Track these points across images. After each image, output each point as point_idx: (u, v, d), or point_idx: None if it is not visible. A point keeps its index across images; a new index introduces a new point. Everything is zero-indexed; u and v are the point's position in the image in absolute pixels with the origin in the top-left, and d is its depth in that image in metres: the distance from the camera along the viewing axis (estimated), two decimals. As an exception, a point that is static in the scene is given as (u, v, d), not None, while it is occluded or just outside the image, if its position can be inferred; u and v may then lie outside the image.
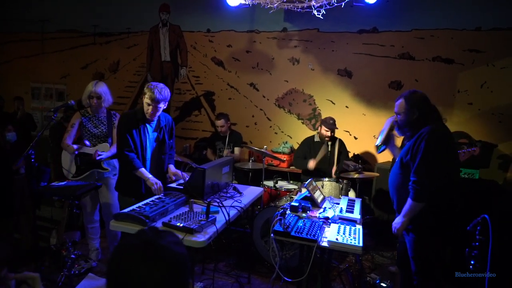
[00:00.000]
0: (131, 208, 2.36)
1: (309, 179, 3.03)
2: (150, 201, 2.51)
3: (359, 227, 2.49)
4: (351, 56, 4.98)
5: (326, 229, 2.45)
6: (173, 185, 2.95)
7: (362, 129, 5.03)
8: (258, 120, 5.55)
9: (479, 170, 3.95)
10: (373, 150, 4.99)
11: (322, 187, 3.90)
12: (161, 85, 2.89)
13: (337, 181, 3.95)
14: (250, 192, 3.14)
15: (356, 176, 3.96)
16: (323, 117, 4.71)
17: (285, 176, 5.00)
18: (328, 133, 4.25)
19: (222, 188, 3.04)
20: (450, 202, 2.37)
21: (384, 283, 3.25)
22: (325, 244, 2.24)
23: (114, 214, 2.31)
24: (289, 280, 2.41)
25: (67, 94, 6.72)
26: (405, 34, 4.70)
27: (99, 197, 3.51)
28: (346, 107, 5.08)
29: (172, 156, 3.26)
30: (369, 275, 3.45)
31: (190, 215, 2.32)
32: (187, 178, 2.81)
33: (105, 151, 3.38)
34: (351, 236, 2.28)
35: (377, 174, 4.35)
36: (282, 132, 5.46)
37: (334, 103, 5.14)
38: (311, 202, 2.82)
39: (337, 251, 3.31)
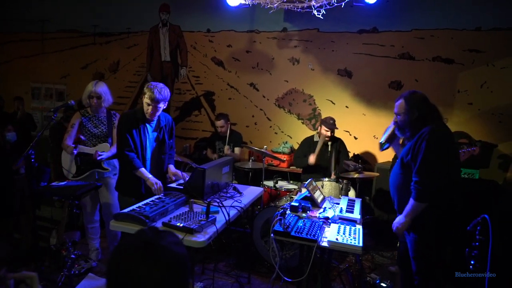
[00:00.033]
0: (131, 208, 2.36)
1: (309, 179, 3.03)
2: (150, 201, 2.51)
3: (359, 227, 2.49)
4: (351, 56, 4.98)
5: (326, 229, 2.45)
6: (173, 185, 2.95)
7: (362, 129, 5.03)
8: (258, 120, 5.55)
9: (479, 170, 3.95)
10: (373, 150, 4.99)
11: (322, 187, 3.90)
12: (161, 85, 2.89)
13: (337, 181, 3.95)
14: (250, 192, 3.14)
15: (356, 176, 3.96)
16: (323, 117, 4.71)
17: (285, 176, 5.00)
18: (328, 133, 4.25)
19: (222, 188, 3.04)
20: (451, 202, 2.38)
21: (384, 283, 3.25)
22: (325, 244, 2.24)
23: (114, 214, 2.31)
24: (289, 280, 2.41)
25: (67, 94, 6.72)
26: (405, 34, 4.70)
27: (99, 197, 3.51)
28: (346, 107, 5.08)
29: (172, 156, 3.26)
30: (369, 275, 3.45)
31: (190, 215, 2.32)
32: (187, 178, 2.81)
33: (105, 151, 3.38)
34: (351, 236, 2.28)
35: (377, 174, 4.35)
36: (282, 132, 5.46)
37: (334, 103, 5.14)
38: (311, 202, 2.82)
39: (337, 251, 3.31)
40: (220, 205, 2.57)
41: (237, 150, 4.71)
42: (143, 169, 2.89)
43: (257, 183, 4.23)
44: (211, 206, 2.37)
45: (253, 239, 3.62)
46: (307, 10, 3.58)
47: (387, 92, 4.84)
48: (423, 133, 2.32)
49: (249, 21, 5.38)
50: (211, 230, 2.20)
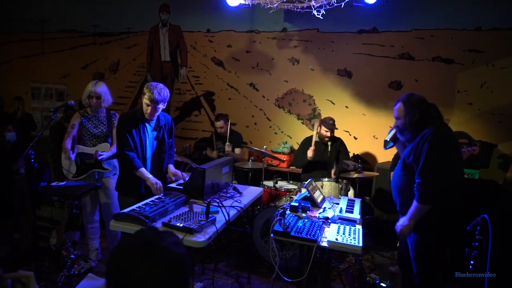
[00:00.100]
0: (131, 208, 2.36)
1: (309, 179, 3.03)
2: (150, 201, 2.51)
3: (359, 227, 2.48)
4: (351, 56, 4.98)
5: (326, 229, 2.45)
6: (173, 185, 2.95)
7: (362, 129, 5.03)
8: (258, 120, 5.55)
9: (479, 170, 3.95)
10: (373, 150, 4.99)
11: (322, 187, 3.90)
12: (161, 85, 2.89)
13: (336, 181, 3.95)
14: (250, 192, 3.14)
15: (356, 175, 3.96)
16: (322, 117, 4.71)
17: (285, 176, 5.00)
18: (328, 133, 4.25)
19: (222, 188, 3.04)
20: (451, 203, 2.37)
21: (384, 283, 3.25)
22: (325, 244, 2.24)
23: (114, 214, 2.31)
24: (289, 280, 2.41)
25: (67, 94, 6.72)
26: (405, 34, 4.70)
27: (99, 197, 3.51)
28: (346, 107, 5.08)
29: (172, 156, 3.26)
30: (369, 275, 3.45)
31: (190, 215, 2.32)
32: (187, 178, 2.81)
33: (106, 151, 3.39)
34: (351, 236, 2.28)
35: (377, 174, 4.35)
36: (282, 132, 5.46)
37: (334, 103, 5.14)
38: (311, 202, 2.82)
39: (337, 251, 3.31)
40: (220, 205, 2.57)
41: (237, 150, 4.71)
42: (143, 169, 2.89)
43: (257, 183, 4.23)
44: (211, 206, 2.37)
45: (253, 239, 3.63)
46: (307, 10, 3.58)
47: (387, 92, 4.84)
48: (425, 134, 2.32)
49: (249, 21, 5.39)
50: (211, 230, 2.20)
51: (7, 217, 3.65)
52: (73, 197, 3.14)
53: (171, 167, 3.16)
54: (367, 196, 4.64)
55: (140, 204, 2.44)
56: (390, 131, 2.76)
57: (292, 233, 2.27)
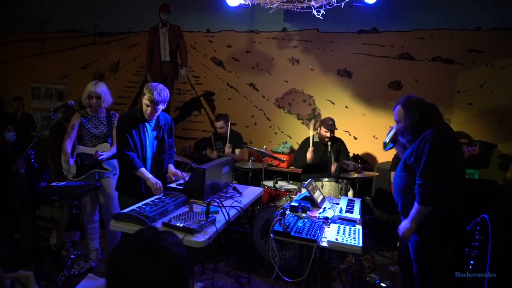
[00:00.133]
0: (131, 208, 2.36)
1: (309, 179, 3.03)
2: (150, 201, 2.51)
3: (358, 227, 2.49)
4: (350, 56, 4.98)
5: (326, 229, 2.45)
6: (173, 185, 2.95)
7: (362, 129, 5.03)
8: (258, 120, 5.55)
9: (479, 170, 3.95)
10: (372, 150, 4.99)
11: (322, 187, 3.90)
12: (161, 86, 2.88)
13: (336, 181, 3.95)
14: (250, 192, 3.14)
15: (355, 176, 3.96)
16: (322, 117, 4.71)
17: (284, 176, 5.00)
18: (328, 134, 4.24)
19: (222, 188, 3.04)
20: (451, 202, 2.37)
21: (384, 283, 3.25)
22: (324, 244, 2.24)
23: (114, 214, 2.31)
24: (289, 280, 2.41)
25: (67, 94, 6.72)
26: (405, 34, 4.70)
27: (99, 197, 3.51)
28: (346, 107, 5.08)
29: (172, 156, 3.26)
30: (369, 275, 3.45)
31: (190, 215, 2.32)
32: (187, 178, 2.81)
33: (106, 151, 3.39)
34: (351, 236, 2.28)
35: (377, 174, 4.35)
36: (282, 132, 5.46)
37: (333, 103, 5.14)
38: (310, 202, 2.82)
39: (337, 251, 3.31)
40: (220, 205, 2.57)
41: (237, 151, 4.71)
42: (143, 169, 2.89)
43: (257, 183, 4.23)
44: (211, 206, 2.37)
45: (253, 239, 3.63)
46: (306, 10, 3.58)
47: (387, 92, 4.84)
48: (427, 135, 2.31)
49: (249, 21, 5.39)
50: (211, 230, 2.20)
51: (7, 217, 3.65)
52: (73, 197, 3.14)
53: (171, 167, 3.16)
54: (367, 196, 4.64)
55: (140, 204, 2.44)
56: (389, 132, 2.76)
57: (292, 233, 2.27)
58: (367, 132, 4.99)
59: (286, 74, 5.33)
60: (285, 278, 2.42)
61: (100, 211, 3.62)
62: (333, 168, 4.24)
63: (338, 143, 4.41)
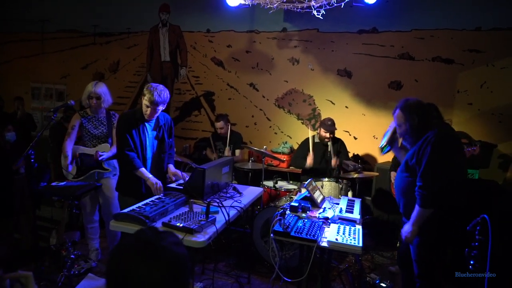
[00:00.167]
0: (131, 208, 2.36)
1: (309, 179, 3.03)
2: (150, 201, 2.51)
3: (358, 227, 2.49)
4: (351, 56, 4.98)
5: (326, 229, 2.45)
6: (173, 185, 2.95)
7: (362, 129, 5.03)
8: (258, 120, 5.55)
9: (479, 170, 3.95)
10: (373, 151, 4.99)
11: (322, 187, 3.90)
12: (161, 87, 2.88)
13: (336, 181, 3.95)
14: (250, 192, 3.14)
15: (356, 176, 3.96)
16: (322, 118, 4.70)
17: (284, 176, 4.99)
18: (327, 135, 4.25)
19: (222, 188, 3.04)
20: (453, 203, 2.37)
21: (383, 283, 3.25)
22: (324, 244, 2.24)
23: (114, 214, 2.31)
24: (289, 280, 2.41)
25: (67, 94, 6.72)
26: (405, 34, 4.70)
27: (99, 197, 3.51)
28: (346, 107, 5.08)
29: (172, 156, 3.26)
30: (369, 275, 3.45)
31: (190, 215, 2.32)
32: (187, 178, 2.81)
33: (106, 151, 3.39)
34: (351, 236, 2.28)
35: (377, 174, 4.35)
36: (282, 132, 5.46)
37: (334, 103, 5.14)
38: (310, 202, 2.82)
39: (337, 251, 3.31)
40: (220, 205, 2.57)
41: (237, 152, 4.72)
42: (143, 169, 2.89)
43: (257, 183, 4.23)
44: (211, 206, 2.37)
45: (253, 239, 3.63)
46: (306, 10, 3.58)
47: (387, 92, 4.84)
48: (429, 137, 2.32)
49: (249, 21, 5.39)
50: (211, 230, 2.20)
51: (7, 217, 3.65)
52: (73, 197, 3.14)
53: (171, 167, 3.16)
54: (367, 196, 4.64)
55: (140, 204, 2.44)
56: (384, 136, 2.77)
57: (292, 233, 2.27)
58: (367, 132, 4.99)
59: (286, 74, 5.33)
60: (285, 278, 2.42)
61: (100, 211, 3.62)
62: (334, 162, 4.23)
63: (338, 144, 4.41)
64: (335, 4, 3.39)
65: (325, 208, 2.85)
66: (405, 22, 4.68)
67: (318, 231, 2.33)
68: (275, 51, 5.33)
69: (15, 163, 3.70)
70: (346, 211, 2.73)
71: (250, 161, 4.53)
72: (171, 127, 3.19)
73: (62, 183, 3.26)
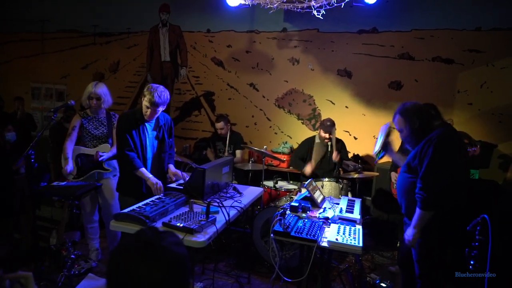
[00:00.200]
0: (131, 208, 2.36)
1: (309, 179, 3.04)
2: (150, 201, 2.51)
3: (359, 227, 2.49)
4: (351, 56, 4.98)
5: (326, 229, 2.45)
6: (173, 185, 2.95)
7: (362, 129, 5.03)
8: (258, 120, 5.55)
9: (479, 170, 3.95)
10: (372, 151, 4.97)
11: (322, 187, 3.90)
12: (161, 88, 2.88)
13: (336, 181, 3.95)
14: (250, 192, 3.14)
15: (356, 176, 3.96)
16: (322, 118, 4.70)
17: (285, 176, 5.00)
18: (327, 135, 4.24)
19: (222, 188, 3.04)
20: (454, 203, 2.37)
21: (384, 283, 3.25)
22: (325, 244, 2.24)
23: (114, 214, 2.31)
24: (289, 280, 2.41)
25: (67, 94, 6.72)
26: (405, 34, 4.70)
27: (99, 198, 3.51)
28: (346, 107, 5.08)
29: (172, 156, 3.26)
30: (369, 275, 3.45)
31: (190, 215, 2.32)
32: (187, 178, 2.81)
33: (106, 151, 3.38)
34: (351, 236, 2.29)
35: (377, 174, 4.35)
36: (282, 132, 5.46)
37: (334, 103, 5.14)
38: (311, 202, 2.82)
39: (337, 251, 3.31)
40: (220, 205, 2.57)
41: (238, 153, 4.72)
42: (143, 169, 2.89)
43: (257, 183, 4.23)
44: (211, 206, 2.37)
45: (253, 239, 3.63)
46: (307, 10, 3.58)
47: (387, 92, 4.84)
48: (432, 137, 2.32)
49: (249, 21, 5.39)
50: (211, 230, 2.20)
51: (7, 217, 3.65)
52: (73, 197, 3.14)
53: (172, 167, 3.16)
54: (367, 196, 4.64)
55: (140, 204, 2.44)
56: (377, 142, 2.78)
57: (292, 233, 2.27)
58: (367, 132, 4.99)
59: (286, 74, 5.33)
60: (285, 278, 2.42)
61: (100, 211, 3.62)
62: (335, 155, 4.22)
63: (339, 144, 4.41)
64: (335, 4, 3.39)
65: (325, 208, 2.85)
66: (405, 22, 4.68)
67: (318, 231, 2.33)
68: (275, 51, 5.33)
69: (15, 163, 3.70)
70: (346, 211, 2.73)
71: (250, 162, 4.54)
72: (171, 127, 3.19)
73: (62, 183, 3.26)
